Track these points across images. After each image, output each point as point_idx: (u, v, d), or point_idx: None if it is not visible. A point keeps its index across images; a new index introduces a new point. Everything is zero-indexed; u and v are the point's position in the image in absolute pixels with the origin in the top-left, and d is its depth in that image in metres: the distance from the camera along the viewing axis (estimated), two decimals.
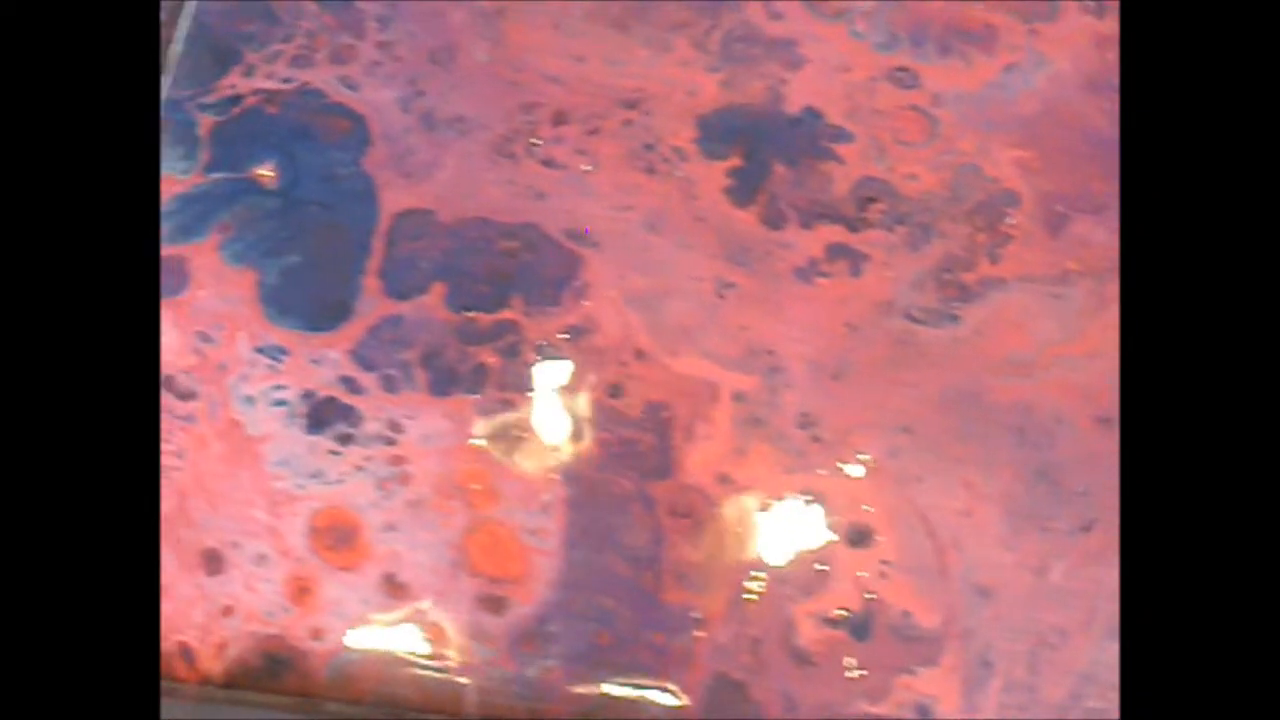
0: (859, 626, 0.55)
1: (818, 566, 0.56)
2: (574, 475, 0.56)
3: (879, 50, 0.67)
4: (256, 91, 0.63)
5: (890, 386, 0.59)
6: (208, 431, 0.56)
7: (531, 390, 0.58)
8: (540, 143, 0.63)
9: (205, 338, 0.57)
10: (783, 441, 0.58)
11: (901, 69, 0.67)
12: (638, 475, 0.56)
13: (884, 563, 0.56)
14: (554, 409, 0.57)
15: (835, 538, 0.56)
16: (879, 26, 0.68)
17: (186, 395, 0.56)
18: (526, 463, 0.56)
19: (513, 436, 0.57)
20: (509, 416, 0.57)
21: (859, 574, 0.56)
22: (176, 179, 0.60)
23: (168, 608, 0.53)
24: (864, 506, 0.57)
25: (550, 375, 0.58)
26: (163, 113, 0.62)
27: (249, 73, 0.63)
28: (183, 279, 0.58)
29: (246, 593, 0.53)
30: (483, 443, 0.56)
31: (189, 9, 0.65)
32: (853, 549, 0.56)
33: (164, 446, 0.55)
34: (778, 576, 0.55)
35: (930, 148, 0.65)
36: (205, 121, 0.62)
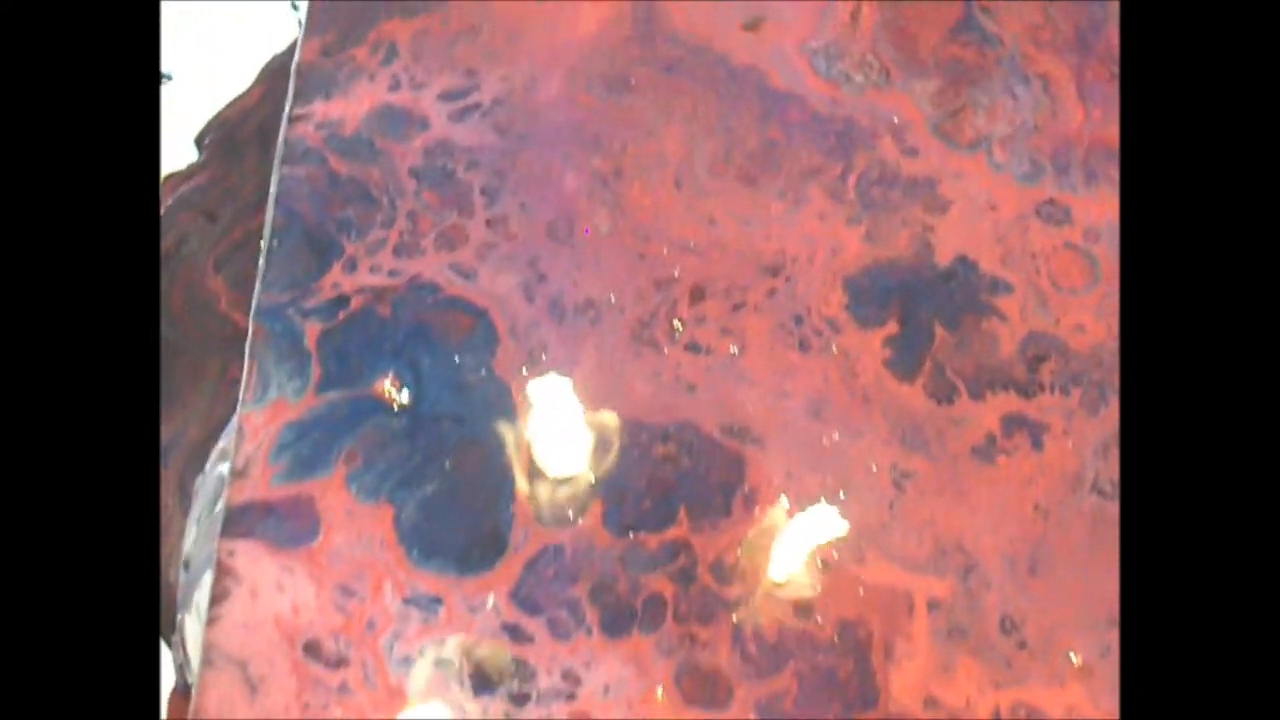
0: None
1: None
2: (774, 714, 0.51)
3: (1023, 182, 0.62)
4: (363, 289, 0.56)
5: (1090, 575, 0.55)
6: (365, 703, 0.50)
7: (713, 620, 0.52)
8: (682, 325, 0.57)
9: (347, 591, 0.51)
10: (988, 652, 0.53)
11: (1049, 202, 0.62)
12: (841, 707, 0.52)
13: None
14: (740, 639, 0.52)
15: None
16: (1019, 154, 0.63)
17: (337, 662, 0.50)
18: (720, 706, 0.51)
19: (699, 677, 0.51)
20: (693, 655, 0.52)
21: None
22: (289, 404, 0.54)
23: None
24: (1082, 717, 0.52)
25: (729, 601, 0.53)
26: (262, 321, 0.55)
27: (351, 267, 0.57)
28: (313, 523, 0.52)
29: None
30: (669, 689, 0.51)
31: (271, 193, 0.58)
32: None
33: None
34: None
35: (1093, 292, 0.60)
36: (311, 330, 0.55)
